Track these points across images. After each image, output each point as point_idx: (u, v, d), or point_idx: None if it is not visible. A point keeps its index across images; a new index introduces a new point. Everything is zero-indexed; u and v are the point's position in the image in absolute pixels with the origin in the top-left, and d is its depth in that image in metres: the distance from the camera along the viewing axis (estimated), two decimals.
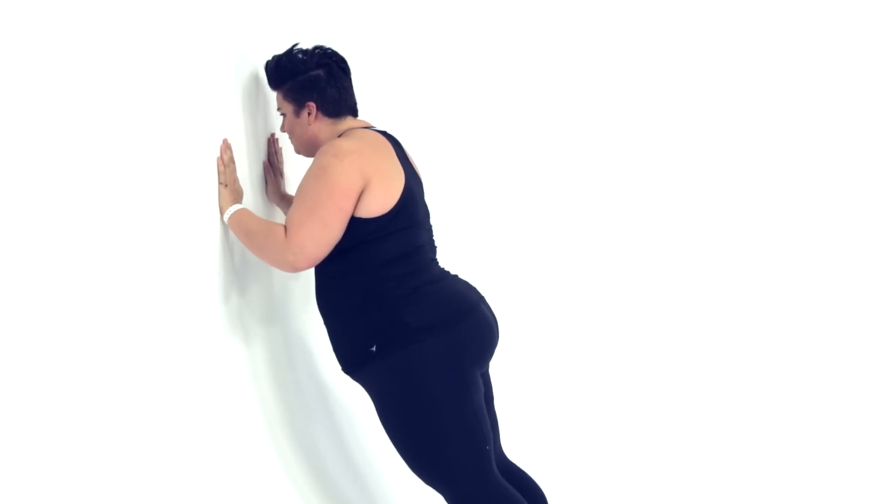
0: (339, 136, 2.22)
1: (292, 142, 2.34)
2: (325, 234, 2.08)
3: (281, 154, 2.53)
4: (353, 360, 2.20)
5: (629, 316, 3.49)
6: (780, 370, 3.48)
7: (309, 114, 2.24)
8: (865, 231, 3.49)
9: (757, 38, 3.46)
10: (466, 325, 2.16)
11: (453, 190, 3.12)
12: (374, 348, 2.13)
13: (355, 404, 2.76)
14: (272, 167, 2.50)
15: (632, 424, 3.37)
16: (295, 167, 2.57)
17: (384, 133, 2.26)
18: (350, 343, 2.19)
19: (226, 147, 2.22)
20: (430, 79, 3.23)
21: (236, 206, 2.21)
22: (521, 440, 2.63)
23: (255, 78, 2.41)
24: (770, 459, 3.22)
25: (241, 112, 2.35)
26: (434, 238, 2.31)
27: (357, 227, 2.11)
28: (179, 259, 2.06)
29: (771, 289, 3.51)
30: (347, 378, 2.73)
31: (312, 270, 2.26)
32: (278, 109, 2.31)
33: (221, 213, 2.22)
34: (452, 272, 2.30)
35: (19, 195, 1.56)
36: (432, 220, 2.33)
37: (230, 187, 2.22)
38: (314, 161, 2.15)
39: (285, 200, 2.51)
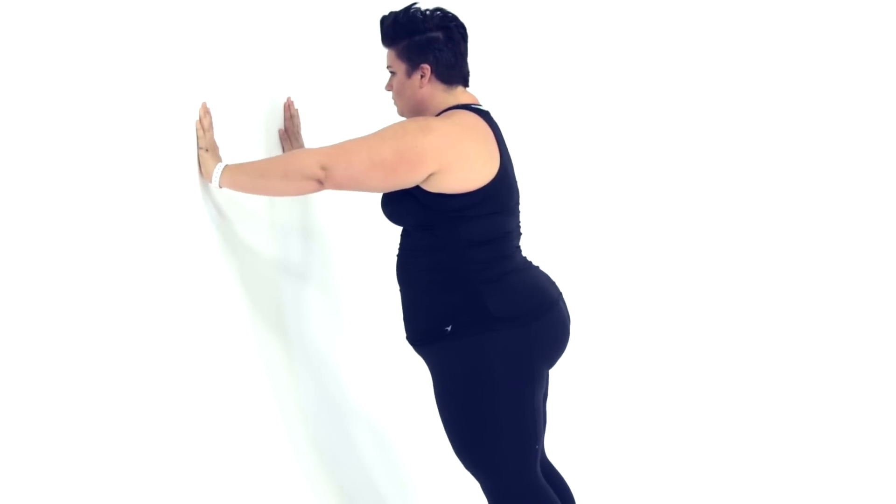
0: (439, 114, 2.15)
1: (396, 102, 2.22)
2: (359, 173, 1.99)
3: (297, 117, 2.45)
4: (424, 335, 2.15)
5: (680, 325, 3.51)
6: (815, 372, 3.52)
7: (422, 76, 2.14)
8: (866, 231, 3.52)
9: (773, 40, 3.49)
10: (545, 321, 2.13)
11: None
12: (449, 328, 2.09)
13: (367, 402, 2.74)
14: (287, 133, 2.43)
15: (670, 435, 3.39)
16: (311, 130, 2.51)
17: (486, 114, 2.20)
18: (424, 317, 2.14)
19: (205, 111, 2.10)
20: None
21: (224, 163, 2.09)
22: (559, 440, 2.64)
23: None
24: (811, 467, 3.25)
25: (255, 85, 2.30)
26: (521, 225, 2.27)
27: (440, 203, 2.06)
28: (180, 248, 1.98)
29: (805, 291, 3.56)
30: (359, 377, 2.71)
31: (398, 242, 2.22)
32: (388, 67, 2.20)
33: (208, 177, 2.08)
34: (534, 263, 2.27)
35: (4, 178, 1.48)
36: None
37: (211, 151, 2.10)
38: (402, 121, 2.09)
39: None
